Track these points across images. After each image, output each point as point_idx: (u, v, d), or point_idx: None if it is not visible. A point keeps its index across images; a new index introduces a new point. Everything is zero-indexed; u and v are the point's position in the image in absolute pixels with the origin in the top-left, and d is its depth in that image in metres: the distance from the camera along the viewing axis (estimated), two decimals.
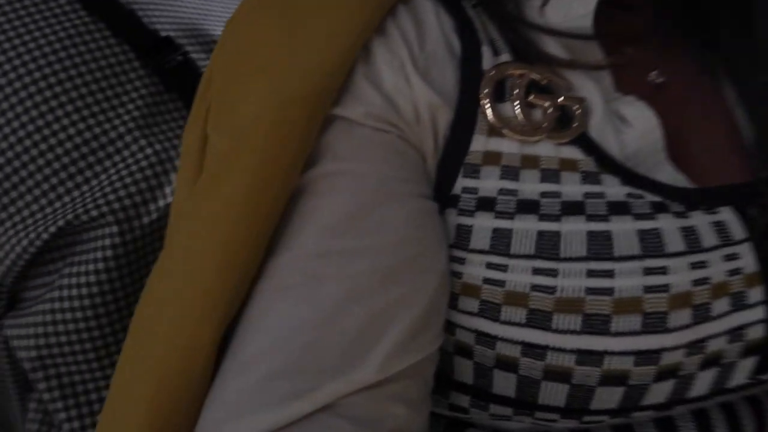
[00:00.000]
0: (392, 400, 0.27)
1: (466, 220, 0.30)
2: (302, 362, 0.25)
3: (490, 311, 0.29)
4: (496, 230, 0.29)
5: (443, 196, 0.30)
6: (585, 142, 0.31)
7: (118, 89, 0.33)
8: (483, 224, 0.29)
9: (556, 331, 0.28)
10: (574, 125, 0.31)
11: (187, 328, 0.27)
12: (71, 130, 0.32)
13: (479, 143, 0.30)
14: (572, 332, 0.28)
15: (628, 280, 0.28)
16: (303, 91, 0.28)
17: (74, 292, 0.32)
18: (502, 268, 0.29)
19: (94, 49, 0.33)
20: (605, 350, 0.28)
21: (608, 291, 0.28)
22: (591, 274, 0.28)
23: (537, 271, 0.28)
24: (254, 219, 0.27)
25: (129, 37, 0.35)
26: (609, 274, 0.28)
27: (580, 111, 0.31)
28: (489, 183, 0.30)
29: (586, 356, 0.28)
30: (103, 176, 0.32)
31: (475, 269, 0.29)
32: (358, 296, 0.26)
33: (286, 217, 0.28)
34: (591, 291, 0.28)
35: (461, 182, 0.30)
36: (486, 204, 0.30)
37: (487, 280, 0.29)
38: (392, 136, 0.30)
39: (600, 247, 0.28)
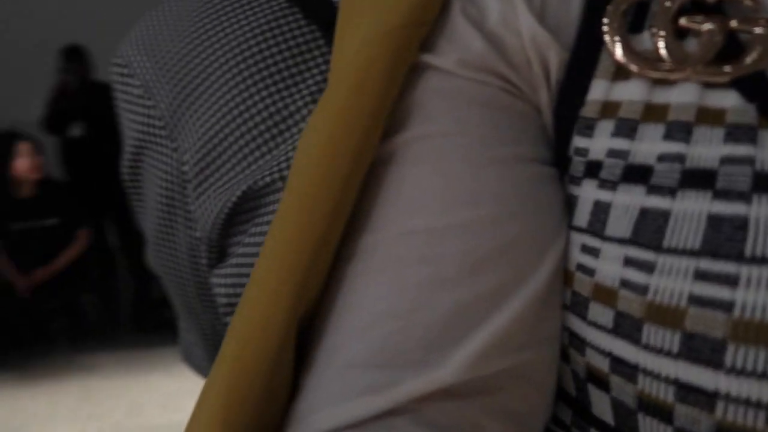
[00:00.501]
0: (485, 413, 0.22)
1: (573, 190, 0.25)
2: (382, 354, 0.22)
3: (579, 306, 0.24)
4: (596, 203, 0.24)
5: (558, 160, 0.25)
6: (751, 85, 0.22)
7: (302, 66, 0.35)
8: (587, 196, 0.24)
9: (647, 347, 0.21)
10: (749, 59, 0.22)
11: (262, 304, 0.24)
12: (260, 106, 0.34)
13: (599, 90, 0.24)
14: (668, 354, 0.21)
15: (759, 294, 0.20)
16: (386, 25, 0.24)
17: (255, 249, 0.34)
18: (595, 252, 0.23)
19: (285, 32, 0.35)
20: (716, 391, 0.20)
21: (725, 305, 0.20)
22: (701, 276, 0.21)
23: (629, 262, 0.22)
24: (330, 184, 0.24)
25: (317, 16, 0.36)
26: (730, 280, 0.20)
27: (764, 38, 0.22)
28: (600, 142, 0.24)
29: (690, 393, 0.21)
30: (281, 147, 0.34)
31: (571, 251, 0.24)
32: (444, 283, 0.23)
33: (369, 192, 0.25)
34: (698, 301, 0.20)
35: (574, 141, 0.25)
36: (593, 169, 0.24)
37: (579, 267, 0.24)
38: (494, 88, 0.25)
39: (724, 239, 0.20)
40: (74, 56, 4.09)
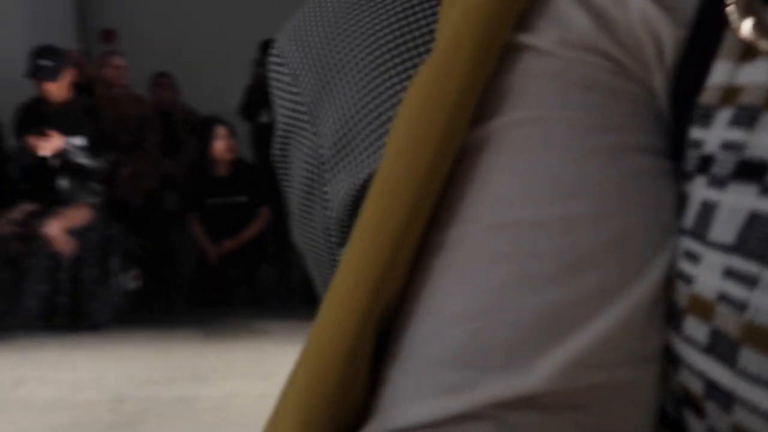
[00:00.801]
0: (577, 428, 0.21)
1: (685, 187, 0.22)
2: (463, 353, 0.21)
3: (675, 318, 0.22)
4: (703, 204, 0.21)
5: (674, 151, 0.23)
6: None
7: (422, 48, 0.36)
8: (696, 194, 0.21)
9: (744, 373, 0.19)
10: None
11: (339, 300, 0.24)
12: (392, 90, 0.35)
13: (721, 73, 0.21)
14: (767, 384, 0.18)
15: None
16: (474, 1, 0.23)
17: None
18: (696, 258, 0.21)
19: (428, 15, 0.36)
20: None
21: None
22: None
23: (730, 273, 0.19)
24: (411, 173, 0.23)
25: None
26: None
27: None
28: (716, 133, 0.21)
29: None
30: None
31: (675, 256, 0.22)
32: (535, 282, 0.21)
33: (457, 181, 0.23)
34: None
35: (690, 132, 0.22)
36: (705, 164, 0.21)
37: (680, 274, 0.21)
38: (601, 69, 0.22)
39: None
40: (267, 49, 4.45)
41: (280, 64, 0.41)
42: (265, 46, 4.43)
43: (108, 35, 5.71)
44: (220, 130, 3.49)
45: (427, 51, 0.33)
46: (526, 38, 0.23)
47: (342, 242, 0.39)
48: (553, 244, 0.21)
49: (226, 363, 2.66)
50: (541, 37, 0.23)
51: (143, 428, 2.14)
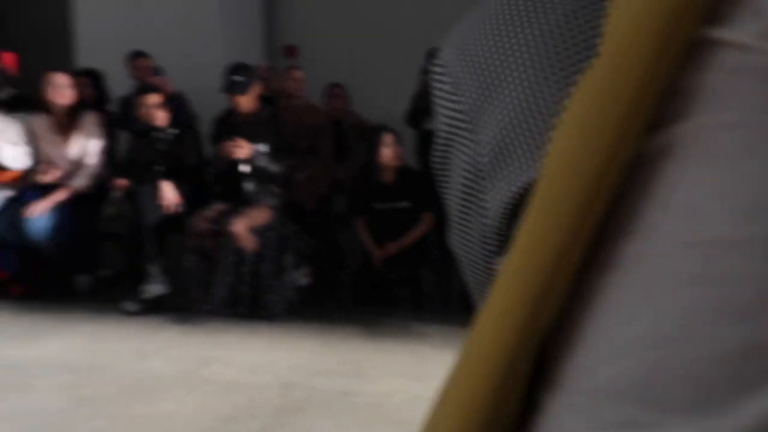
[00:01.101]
0: None
1: None
2: (641, 387, 0.19)
3: None
4: None
5: None
6: None
7: (590, 52, 0.34)
8: None
9: None
10: None
11: (493, 317, 0.22)
12: (556, 96, 0.34)
13: None
14: None
15: None
16: None
17: None
18: None
19: (595, 17, 0.34)
20: None
21: None
22: None
23: None
24: (577, 181, 0.21)
25: None
26: None
27: None
28: None
29: None
30: None
31: None
32: (734, 310, 0.18)
33: (633, 191, 0.21)
34: None
35: None
36: None
37: None
38: None
39: None
40: (435, 57, 4.52)
41: (442, 74, 0.42)
42: (432, 54, 4.52)
43: (290, 51, 6.21)
44: (387, 138, 3.62)
45: (594, 53, 0.31)
46: (719, 32, 0.20)
47: (498, 251, 0.39)
48: (756, 266, 0.18)
49: (385, 361, 2.76)
50: (738, 31, 0.20)
51: (308, 415, 2.30)
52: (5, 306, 3.52)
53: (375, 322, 3.31)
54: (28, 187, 3.88)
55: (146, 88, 3.75)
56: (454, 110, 0.40)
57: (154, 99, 3.63)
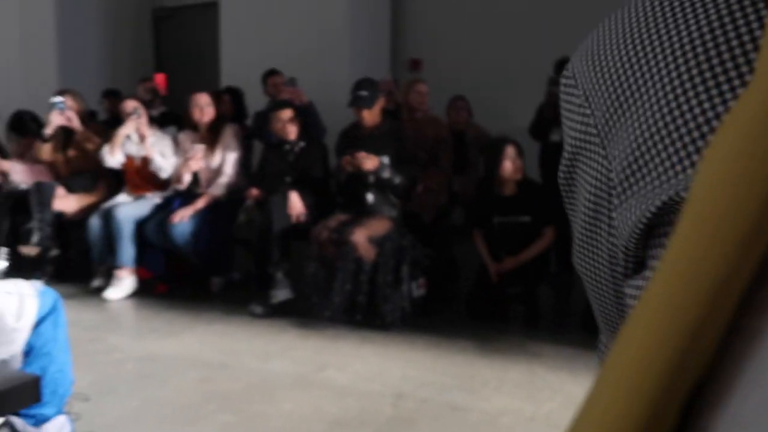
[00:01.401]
0: None
1: None
2: None
3: None
4: None
5: None
6: None
7: (740, 60, 0.31)
8: None
9: None
10: None
11: (629, 358, 0.20)
12: (696, 110, 0.31)
13: None
14: None
15: None
16: None
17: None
18: None
19: (740, 25, 0.31)
20: None
21: None
22: None
23: None
24: (742, 205, 0.19)
25: None
26: None
27: None
28: None
29: None
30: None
31: None
32: None
33: None
34: None
35: None
36: None
37: None
38: None
39: None
40: (562, 68, 4.40)
41: (572, 85, 0.41)
42: (560, 65, 4.40)
43: (415, 64, 6.31)
44: (510, 150, 3.55)
45: (747, 62, 0.30)
46: None
47: (628, 272, 0.37)
48: None
49: (497, 379, 2.72)
50: None
51: (418, 427, 2.32)
52: (149, 303, 3.91)
53: (488, 337, 3.27)
54: (174, 195, 4.28)
55: (279, 104, 4.00)
56: (584, 124, 0.39)
57: (285, 114, 3.86)
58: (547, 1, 5.77)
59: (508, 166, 3.52)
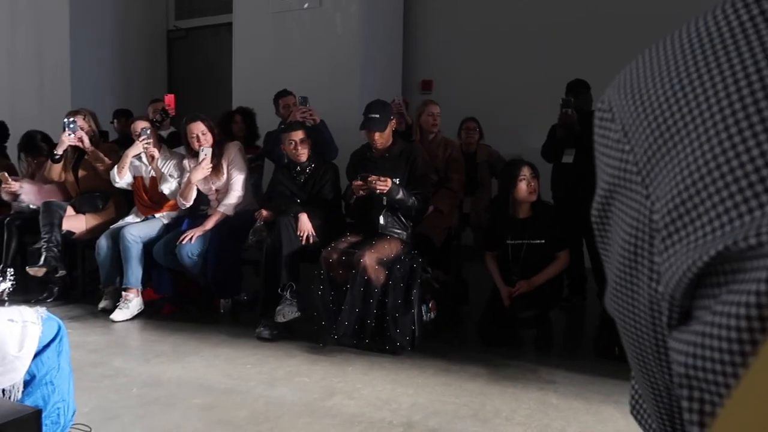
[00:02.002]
0: None
1: None
2: None
3: None
4: None
5: None
6: None
7: None
8: None
9: None
10: None
11: None
12: (754, 152, 0.30)
13: None
14: None
15: None
16: None
17: (725, 321, 0.30)
18: None
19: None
20: None
21: None
22: None
23: None
24: None
25: None
26: None
27: None
28: None
29: None
30: None
31: None
32: None
33: None
34: None
35: None
36: None
37: None
38: None
39: None
40: (575, 90, 4.37)
41: (609, 119, 0.39)
42: (572, 86, 4.37)
43: (426, 85, 6.31)
44: (525, 171, 3.50)
45: None
46: None
47: (672, 322, 0.35)
48: None
49: (509, 408, 2.65)
50: None
51: None
52: (156, 325, 3.87)
53: (500, 363, 3.20)
54: (182, 215, 4.26)
55: (291, 125, 3.98)
56: (623, 160, 0.37)
57: (297, 135, 3.84)
58: (559, 23, 5.77)
59: (523, 187, 3.47)
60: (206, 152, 3.97)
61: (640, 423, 0.47)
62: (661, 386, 0.39)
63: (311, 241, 3.66)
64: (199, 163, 3.97)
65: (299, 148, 3.83)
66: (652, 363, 0.38)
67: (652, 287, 0.35)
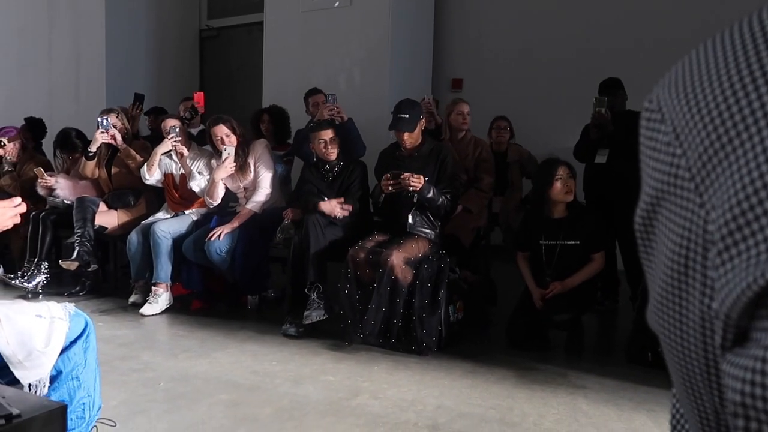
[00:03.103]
0: None
1: None
2: None
3: None
4: None
5: None
6: None
7: None
8: None
9: None
10: None
11: None
12: None
13: None
14: None
15: None
16: None
17: None
18: None
19: None
20: None
21: None
22: None
23: None
24: None
25: None
26: None
27: None
28: None
29: None
30: None
31: None
32: None
33: None
34: None
35: None
36: None
37: None
38: None
39: None
40: (608, 89, 4.27)
41: (658, 120, 0.36)
42: (606, 85, 4.27)
43: (456, 83, 6.26)
44: (561, 171, 3.43)
45: None
46: None
47: (726, 344, 0.32)
48: None
49: (537, 413, 2.59)
50: None
51: None
52: (184, 320, 3.91)
53: (529, 366, 3.14)
54: (211, 212, 4.29)
55: (320, 124, 3.97)
56: (673, 165, 0.34)
57: (326, 134, 3.83)
58: (592, 21, 5.66)
59: (559, 187, 3.40)
60: (229, 151, 3.98)
61: None
62: (709, 410, 0.36)
63: (339, 215, 3.69)
64: (222, 162, 4.00)
65: (329, 147, 3.82)
66: (700, 385, 0.35)
67: (705, 304, 0.32)
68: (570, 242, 3.40)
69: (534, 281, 3.46)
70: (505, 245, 4.44)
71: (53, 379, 1.53)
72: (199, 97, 4.83)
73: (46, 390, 1.49)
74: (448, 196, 3.55)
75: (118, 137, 4.41)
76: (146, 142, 4.81)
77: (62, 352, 1.54)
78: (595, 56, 5.44)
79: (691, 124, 0.33)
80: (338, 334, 3.44)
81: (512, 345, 3.45)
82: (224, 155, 4.00)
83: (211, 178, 4.10)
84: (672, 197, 0.34)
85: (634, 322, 3.43)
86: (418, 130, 3.66)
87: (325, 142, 3.81)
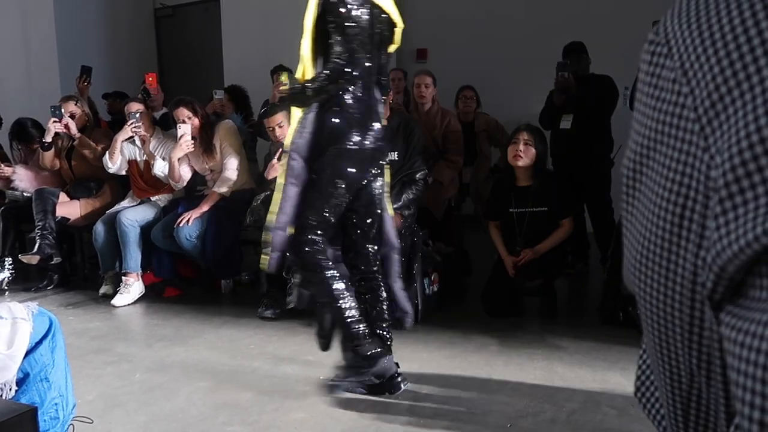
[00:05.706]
0: None
1: None
2: None
3: None
4: None
5: None
6: None
7: None
8: None
9: None
10: None
11: None
12: None
13: None
14: None
15: None
16: None
17: None
18: None
19: None
20: None
21: None
22: None
23: None
24: None
25: None
26: None
27: None
28: None
29: None
30: None
31: None
32: None
33: None
34: None
35: None
36: None
37: None
38: None
39: None
40: (571, 53, 4.27)
41: (663, 54, 0.32)
42: (569, 50, 4.27)
43: (421, 54, 6.19)
44: (520, 135, 3.43)
45: None
46: None
47: (715, 297, 0.29)
48: None
49: (516, 378, 2.63)
50: None
51: None
52: (157, 309, 3.85)
53: (505, 333, 3.18)
54: (179, 198, 4.21)
55: (269, 110, 3.87)
56: (677, 104, 0.31)
57: (274, 121, 3.74)
58: None
59: (511, 151, 3.40)
60: (184, 129, 3.88)
61: (645, 407, 0.43)
62: (683, 372, 0.34)
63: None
64: (178, 141, 3.90)
65: (278, 132, 3.73)
66: (678, 345, 0.33)
67: (701, 256, 0.29)
68: (539, 209, 3.42)
69: (506, 249, 3.49)
70: (476, 215, 4.46)
71: (21, 382, 1.48)
72: (151, 77, 4.68)
73: (13, 393, 1.45)
74: (417, 170, 3.53)
75: (72, 126, 4.26)
76: (109, 129, 4.67)
77: (28, 353, 1.49)
78: (558, 21, 5.43)
79: (702, 58, 0.29)
80: (314, 313, 3.43)
81: (488, 314, 3.48)
82: (179, 133, 3.89)
83: (169, 159, 4.00)
84: (671, 140, 0.31)
85: (604, 284, 3.49)
86: (385, 105, 3.61)
87: (274, 128, 3.73)
